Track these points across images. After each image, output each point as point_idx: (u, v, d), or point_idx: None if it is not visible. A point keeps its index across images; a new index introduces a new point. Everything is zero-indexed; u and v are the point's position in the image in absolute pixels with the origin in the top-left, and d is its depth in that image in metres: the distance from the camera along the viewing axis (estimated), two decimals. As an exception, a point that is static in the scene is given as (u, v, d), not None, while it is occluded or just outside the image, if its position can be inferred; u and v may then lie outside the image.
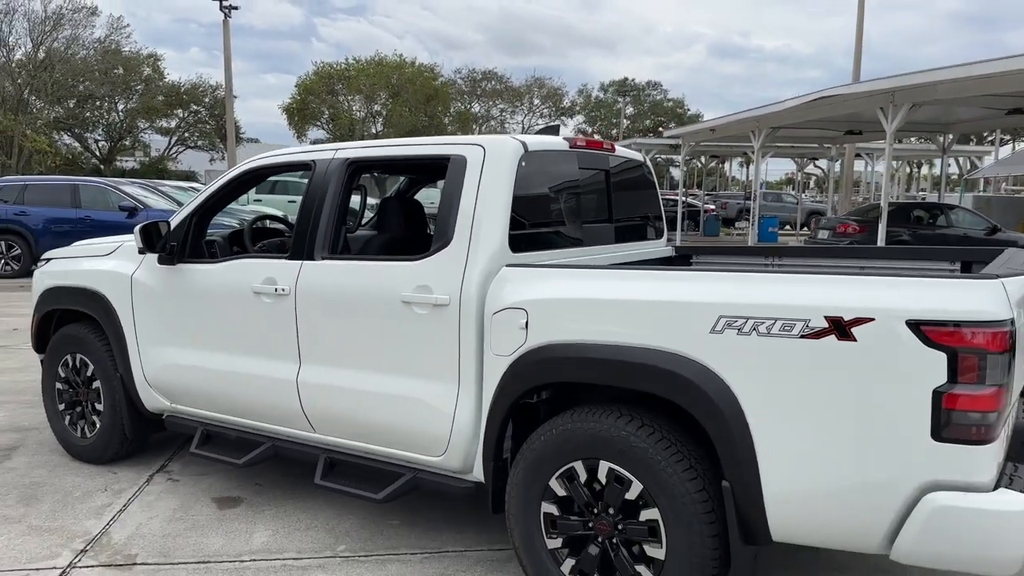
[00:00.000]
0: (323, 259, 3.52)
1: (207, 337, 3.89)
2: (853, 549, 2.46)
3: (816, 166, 36.53)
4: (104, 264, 4.34)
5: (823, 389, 2.37)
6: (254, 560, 3.38)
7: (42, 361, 4.76)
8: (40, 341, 4.75)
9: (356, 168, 3.64)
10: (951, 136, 18.39)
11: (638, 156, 4.19)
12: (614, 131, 61.94)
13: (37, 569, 3.28)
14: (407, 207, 4.31)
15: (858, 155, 26.99)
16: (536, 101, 62.26)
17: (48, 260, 4.77)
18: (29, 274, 13.56)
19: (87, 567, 3.30)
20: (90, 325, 4.41)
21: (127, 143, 53.77)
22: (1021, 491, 2.31)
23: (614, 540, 2.79)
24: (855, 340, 2.32)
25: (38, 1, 43.93)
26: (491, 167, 3.17)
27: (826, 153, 23.81)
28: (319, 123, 50.64)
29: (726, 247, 5.73)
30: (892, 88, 12.56)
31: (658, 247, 4.33)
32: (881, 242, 13.34)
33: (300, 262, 3.57)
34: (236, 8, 23.46)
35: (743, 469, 2.49)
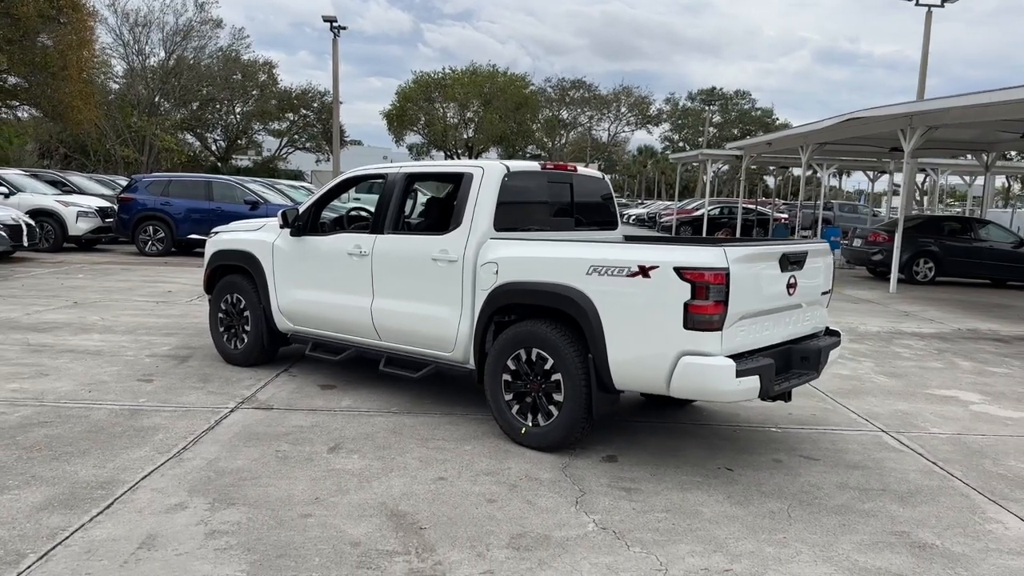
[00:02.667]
0: (389, 233, 5.81)
1: (318, 282, 6.25)
2: (652, 391, 4.55)
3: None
4: (254, 235, 6.78)
5: (635, 303, 4.47)
6: (342, 412, 5.69)
7: (210, 300, 7.23)
8: (209, 286, 7.24)
9: (410, 179, 5.93)
10: (993, 154, 19.43)
11: (597, 174, 6.33)
12: (700, 139, 63.08)
13: (218, 408, 5.67)
14: (440, 203, 6.58)
15: (922, 169, 27.86)
16: (623, 109, 64.19)
17: (216, 233, 7.27)
18: (171, 253, 16.61)
19: (244, 408, 5.68)
20: (244, 275, 6.86)
21: (242, 143, 58.46)
22: (746, 369, 4.33)
23: (539, 393, 4.94)
24: (650, 278, 4.41)
25: (171, 14, 48.41)
26: (486, 180, 5.38)
27: (885, 167, 24.93)
28: (416, 128, 53.96)
29: (656, 236, 7.73)
30: (909, 112, 14.07)
31: (612, 234, 6.42)
32: (897, 250, 14.87)
33: (375, 235, 5.87)
34: (345, 28, 26.46)
35: (598, 347, 4.60)
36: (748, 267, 4.46)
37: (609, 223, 6.46)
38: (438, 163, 5.88)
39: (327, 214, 6.75)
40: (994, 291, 16.39)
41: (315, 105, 56.98)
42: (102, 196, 19.19)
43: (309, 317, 6.39)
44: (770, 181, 58.90)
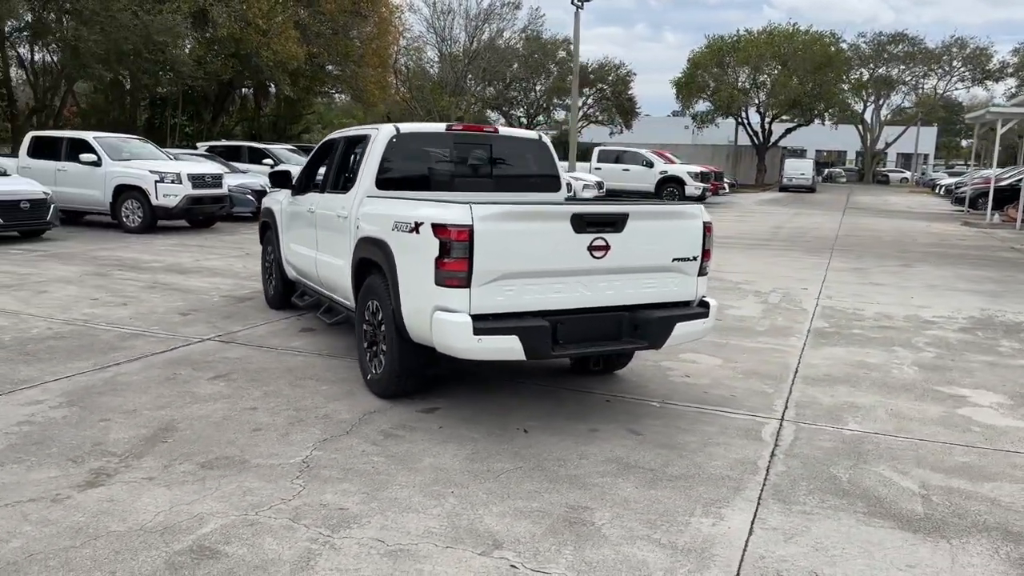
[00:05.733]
0: (326, 193, 6.42)
1: (296, 236, 7.08)
2: (426, 343, 4.64)
3: None
4: (275, 197, 7.81)
5: (412, 258, 4.60)
6: (279, 350, 6.48)
7: (262, 248, 8.47)
8: (262, 237, 8.46)
9: (346, 142, 6.45)
10: None
11: (532, 135, 6.29)
12: (1056, 95, 52.61)
13: (192, 338, 6.77)
14: (352, 165, 6.85)
15: None
16: (956, 63, 55.89)
17: (267, 195, 8.46)
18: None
19: (211, 341, 6.71)
20: (270, 230, 7.94)
21: (541, 119, 61.69)
22: (493, 328, 4.29)
23: (377, 338, 5.25)
24: (419, 234, 4.51)
25: (473, 1, 52.47)
26: (376, 141, 5.74)
27: None
28: (704, 95, 52.44)
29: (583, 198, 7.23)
30: None
31: (552, 197, 6.32)
32: None
33: (320, 195, 6.52)
34: (589, 0, 26.84)
35: (395, 299, 4.81)
36: (504, 225, 4.36)
37: (549, 186, 6.38)
38: (361, 127, 6.27)
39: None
40: None
41: (610, 78, 58.10)
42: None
43: (294, 267, 7.27)
44: None
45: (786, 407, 5.35)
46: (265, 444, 4.40)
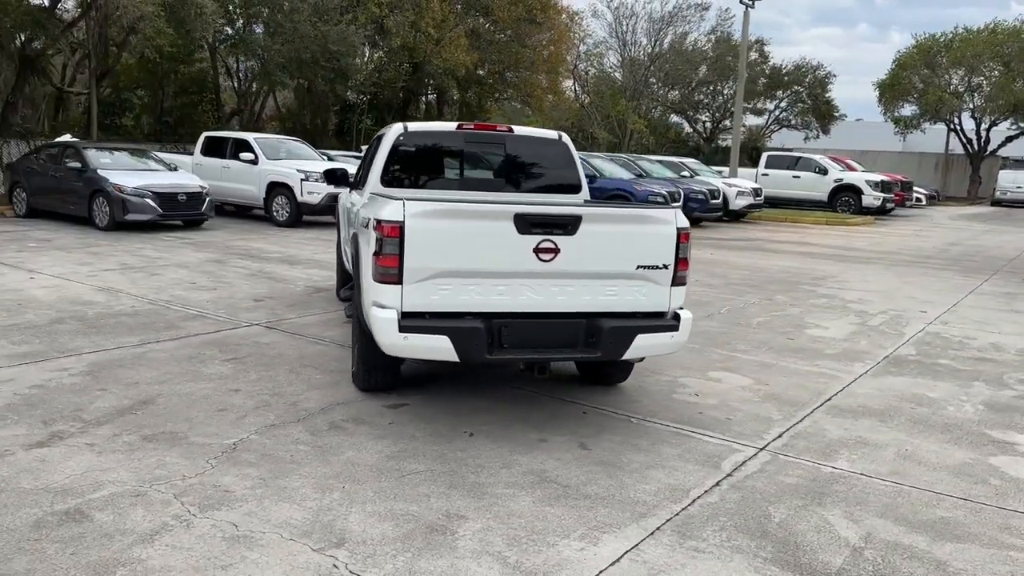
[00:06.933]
0: (352, 189, 6.63)
1: (344, 230, 7.37)
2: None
3: None
4: (344, 192, 8.17)
5: (365, 253, 4.64)
6: (311, 339, 6.76)
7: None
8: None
9: (372, 141, 6.60)
10: None
11: (551, 134, 6.10)
12: None
13: (241, 323, 7.22)
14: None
15: None
16: None
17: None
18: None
19: (258, 325, 7.12)
20: (337, 224, 8.32)
21: (727, 124, 59.44)
22: (421, 327, 4.24)
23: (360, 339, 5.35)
24: (368, 230, 4.54)
25: (657, 3, 51.72)
26: (385, 139, 5.85)
27: None
28: (911, 98, 48.10)
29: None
30: None
31: (570, 198, 6.09)
32: None
33: (355, 191, 6.74)
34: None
35: (359, 292, 4.87)
36: (437, 223, 4.28)
37: (569, 187, 6.17)
38: (387, 127, 6.46)
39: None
40: None
41: (807, 80, 54.99)
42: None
43: (344, 260, 7.57)
44: None
45: (778, 436, 4.82)
46: (216, 424, 4.62)
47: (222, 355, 6.09)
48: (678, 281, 4.64)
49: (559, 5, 34.59)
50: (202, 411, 4.83)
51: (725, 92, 57.00)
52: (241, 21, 25.07)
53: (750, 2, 25.00)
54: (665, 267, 4.58)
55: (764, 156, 28.48)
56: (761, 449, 4.58)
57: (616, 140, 45.81)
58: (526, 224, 4.33)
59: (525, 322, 4.44)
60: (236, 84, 29.70)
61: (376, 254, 4.34)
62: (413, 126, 5.90)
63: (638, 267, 4.53)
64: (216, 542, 3.27)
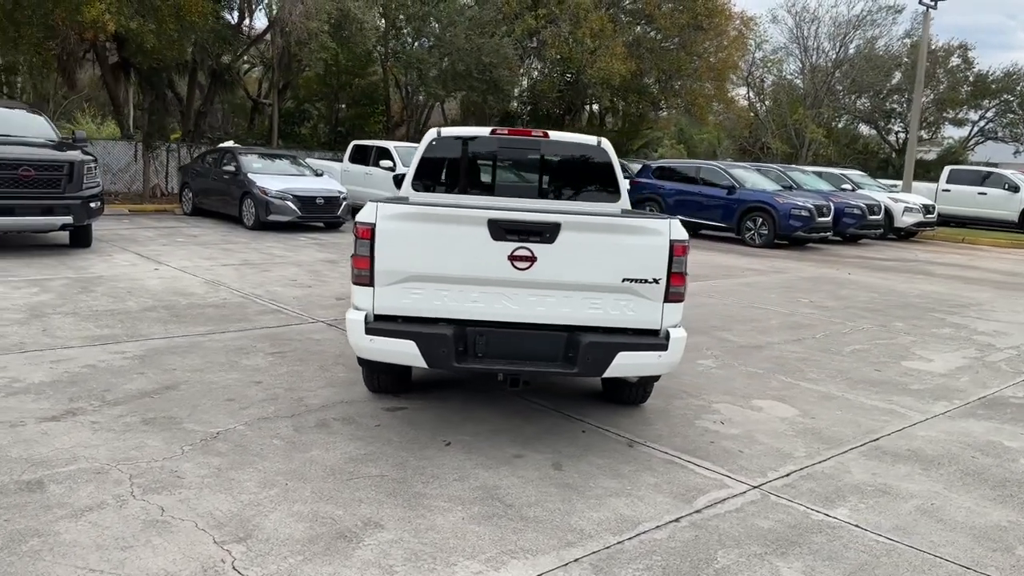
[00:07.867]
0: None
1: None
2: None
3: None
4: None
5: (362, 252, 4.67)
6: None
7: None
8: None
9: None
10: None
11: (590, 140, 5.84)
12: None
13: (294, 319, 7.52)
14: None
15: None
16: None
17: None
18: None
19: (311, 322, 7.39)
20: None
21: (924, 134, 54.64)
22: (386, 330, 4.20)
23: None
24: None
25: (844, 6, 48.58)
26: (421, 145, 5.87)
27: None
28: None
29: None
30: None
31: (607, 206, 5.80)
32: None
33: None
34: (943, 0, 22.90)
35: (356, 295, 4.92)
36: (409, 226, 4.22)
37: (607, 194, 5.89)
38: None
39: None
40: None
41: (1019, 88, 49.60)
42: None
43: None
44: None
45: (785, 475, 4.32)
46: (215, 413, 4.83)
47: (270, 348, 6.37)
48: (672, 297, 4.29)
49: (729, 11, 33.32)
50: (212, 399, 5.06)
51: (923, 100, 52.59)
52: (410, 37, 26.29)
53: (932, 3, 22.87)
54: (655, 281, 4.25)
55: (946, 170, 25.93)
56: (755, 487, 4.13)
57: (792, 150, 43.58)
58: (500, 230, 4.18)
59: (500, 332, 4.29)
60: (403, 96, 31.16)
61: (352, 255, 4.36)
62: (447, 131, 5.88)
63: (624, 280, 4.24)
64: (134, 524, 3.40)
